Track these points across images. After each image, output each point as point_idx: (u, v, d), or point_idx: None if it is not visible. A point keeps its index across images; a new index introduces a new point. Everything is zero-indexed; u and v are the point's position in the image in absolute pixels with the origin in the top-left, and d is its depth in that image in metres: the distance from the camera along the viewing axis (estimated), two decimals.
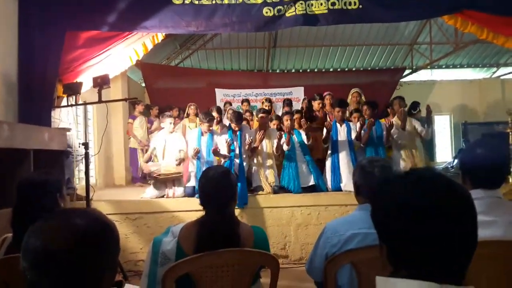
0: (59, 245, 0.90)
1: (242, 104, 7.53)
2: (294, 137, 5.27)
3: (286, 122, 5.18)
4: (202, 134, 5.17)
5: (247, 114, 6.67)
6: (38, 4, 4.68)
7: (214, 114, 5.72)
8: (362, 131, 5.18)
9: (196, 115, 6.66)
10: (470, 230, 0.81)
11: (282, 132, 5.01)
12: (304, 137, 5.25)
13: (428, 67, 11.33)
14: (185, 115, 7.00)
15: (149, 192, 5.04)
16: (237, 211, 4.38)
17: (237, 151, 5.07)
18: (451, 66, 12.29)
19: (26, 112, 4.48)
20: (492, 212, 1.68)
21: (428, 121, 5.28)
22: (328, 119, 6.03)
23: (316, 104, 6.43)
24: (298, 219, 4.77)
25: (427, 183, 0.85)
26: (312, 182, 5.10)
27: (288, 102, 7.01)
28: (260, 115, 5.34)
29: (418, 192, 0.83)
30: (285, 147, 5.09)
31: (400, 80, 10.77)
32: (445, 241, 0.79)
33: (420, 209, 0.80)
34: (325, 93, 6.67)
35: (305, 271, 1.98)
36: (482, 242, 1.53)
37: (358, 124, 5.21)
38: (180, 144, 5.22)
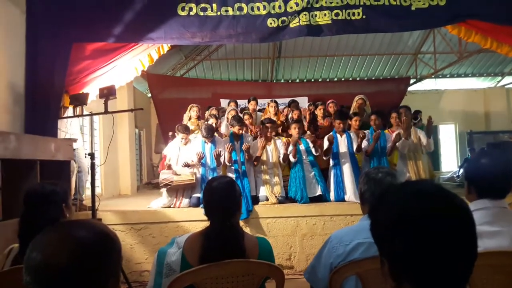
0: (60, 259, 0.90)
1: (249, 102, 6.85)
2: (301, 146, 5.23)
3: (294, 131, 5.15)
4: (206, 142, 5.18)
5: (246, 117, 6.02)
6: (45, 16, 4.75)
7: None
8: (367, 143, 5.17)
9: (198, 118, 6.48)
10: (469, 241, 0.81)
11: (288, 141, 5.01)
12: (311, 146, 5.18)
13: (433, 76, 11.35)
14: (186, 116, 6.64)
15: (157, 201, 5.06)
16: (241, 222, 4.37)
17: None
18: (455, 75, 12.30)
19: (32, 123, 4.53)
20: (497, 222, 1.67)
21: (429, 133, 5.21)
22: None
23: (318, 111, 6.42)
24: (303, 229, 4.75)
25: (424, 195, 0.85)
26: (319, 192, 5.08)
27: (295, 106, 6.83)
28: (267, 124, 5.31)
29: (415, 204, 0.83)
30: (291, 159, 5.08)
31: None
32: (445, 254, 0.79)
33: (418, 222, 0.80)
34: (329, 101, 6.67)
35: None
36: (487, 252, 1.54)
37: (360, 136, 5.17)
38: (193, 154, 5.23)
